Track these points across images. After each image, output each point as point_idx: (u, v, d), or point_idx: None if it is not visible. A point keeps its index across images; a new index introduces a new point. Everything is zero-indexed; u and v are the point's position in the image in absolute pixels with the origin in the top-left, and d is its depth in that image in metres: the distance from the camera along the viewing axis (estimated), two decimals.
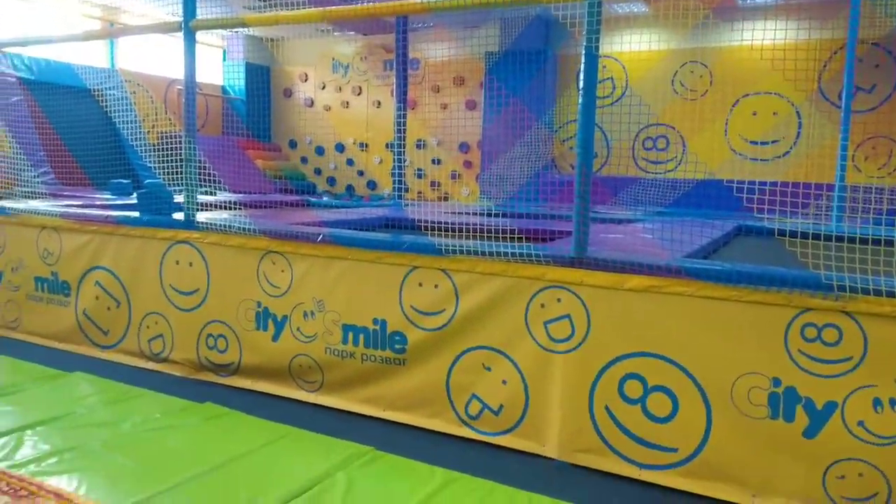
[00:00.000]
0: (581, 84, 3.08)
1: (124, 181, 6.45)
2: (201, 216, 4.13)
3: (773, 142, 8.28)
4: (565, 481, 2.89)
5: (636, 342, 2.91)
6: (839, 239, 2.87)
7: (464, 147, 10.09)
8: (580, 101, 3.08)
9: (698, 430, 2.82)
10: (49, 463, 2.81)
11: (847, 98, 5.62)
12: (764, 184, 2.93)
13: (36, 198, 5.40)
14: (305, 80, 11.31)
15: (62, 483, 2.63)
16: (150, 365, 4.22)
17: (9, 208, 4.87)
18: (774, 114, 8.32)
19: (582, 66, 3.06)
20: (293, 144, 11.49)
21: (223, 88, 11.31)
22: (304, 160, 11.40)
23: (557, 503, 2.65)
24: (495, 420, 3.23)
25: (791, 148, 8.26)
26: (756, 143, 8.39)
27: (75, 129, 7.08)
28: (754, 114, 8.43)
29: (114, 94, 8.02)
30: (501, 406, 3.20)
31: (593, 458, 3.01)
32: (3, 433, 3.07)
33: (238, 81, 11.16)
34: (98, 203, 5.41)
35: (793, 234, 2.73)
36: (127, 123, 7.02)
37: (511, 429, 3.20)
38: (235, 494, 2.59)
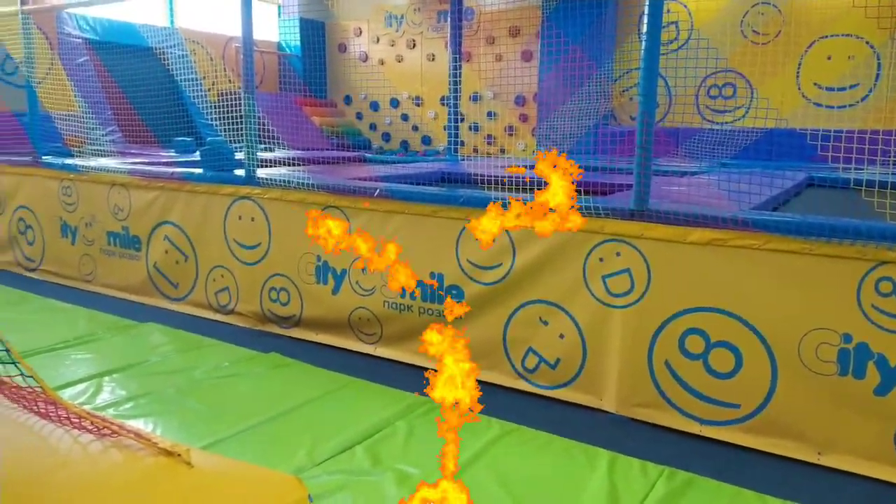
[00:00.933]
0: (644, 29, 2.95)
1: (187, 139, 6.60)
2: (261, 172, 4.20)
3: (850, 87, 7.80)
4: (623, 434, 2.89)
5: (698, 297, 2.85)
6: None
7: (519, 100, 9.89)
8: (643, 46, 2.96)
9: (762, 386, 2.75)
10: (126, 407, 2.98)
11: None
12: (839, 132, 2.78)
13: (105, 156, 5.59)
14: (359, 35, 11.23)
15: (139, 425, 2.79)
16: (218, 317, 4.39)
17: (80, 166, 5.06)
18: (850, 57, 7.82)
19: (646, 10, 2.93)
20: (348, 100, 11.49)
21: (279, 45, 11.35)
22: (359, 116, 11.41)
23: (614, 455, 2.65)
24: (552, 374, 3.23)
25: (869, 93, 7.77)
26: (831, 89, 7.93)
27: (139, 87, 7.24)
28: (829, 58, 7.94)
29: (175, 53, 8.16)
30: (558, 360, 3.20)
31: (652, 412, 2.99)
32: (83, 379, 3.26)
33: (293, 38, 11.16)
34: (164, 160, 5.57)
35: (869, 185, 2.59)
36: (188, 82, 7.16)
37: (568, 382, 3.20)
38: (300, 439, 2.69)
